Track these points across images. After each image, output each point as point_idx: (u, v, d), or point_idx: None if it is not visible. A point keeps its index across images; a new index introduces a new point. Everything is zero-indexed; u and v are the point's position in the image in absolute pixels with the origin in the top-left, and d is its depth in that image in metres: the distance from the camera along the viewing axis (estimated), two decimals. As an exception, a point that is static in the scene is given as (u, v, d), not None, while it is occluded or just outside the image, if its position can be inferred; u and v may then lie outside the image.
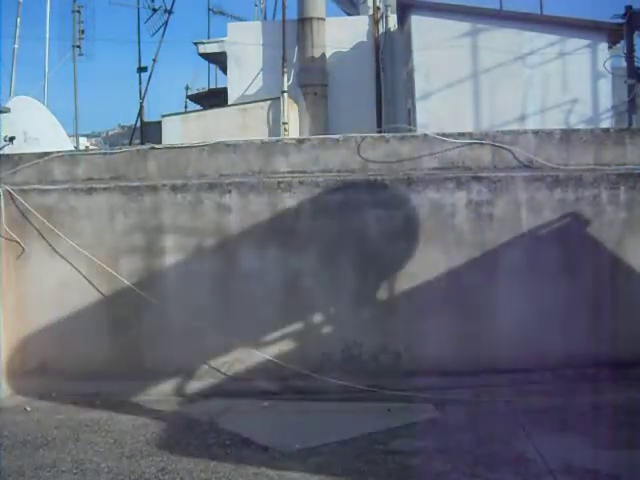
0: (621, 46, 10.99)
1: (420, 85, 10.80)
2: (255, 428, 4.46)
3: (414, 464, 3.80)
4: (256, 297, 5.30)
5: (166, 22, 14.61)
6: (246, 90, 12.78)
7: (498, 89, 10.56)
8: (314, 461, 3.88)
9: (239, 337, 5.23)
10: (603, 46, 10.73)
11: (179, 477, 3.72)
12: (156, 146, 5.72)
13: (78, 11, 17.62)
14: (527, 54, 10.68)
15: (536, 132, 5.46)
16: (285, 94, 11.71)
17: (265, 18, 16.45)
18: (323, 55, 12.55)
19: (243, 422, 4.62)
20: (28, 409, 5.01)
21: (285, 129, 11.25)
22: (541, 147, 5.32)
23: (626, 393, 4.73)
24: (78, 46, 17.57)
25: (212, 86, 17.91)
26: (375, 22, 12.69)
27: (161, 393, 5.26)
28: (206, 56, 14.95)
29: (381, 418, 4.59)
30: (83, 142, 19.84)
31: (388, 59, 12.61)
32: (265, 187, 5.33)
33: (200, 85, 19.58)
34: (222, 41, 13.80)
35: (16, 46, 14.36)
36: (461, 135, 5.38)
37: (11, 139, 7.49)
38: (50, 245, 5.38)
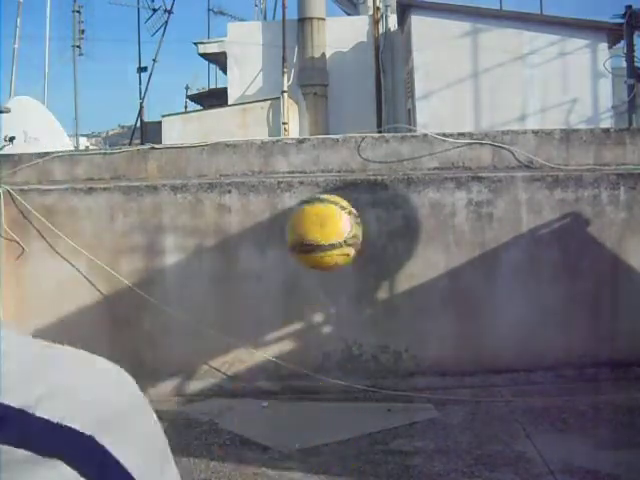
0: (621, 46, 10.99)
1: (420, 85, 10.80)
2: (255, 428, 4.46)
3: (414, 464, 3.80)
4: (256, 297, 5.31)
5: (166, 22, 14.63)
6: (246, 90, 12.78)
7: (498, 89, 10.56)
8: (314, 461, 3.88)
9: (239, 337, 5.23)
10: (603, 46, 10.73)
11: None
12: (156, 146, 5.72)
13: (78, 11, 17.65)
14: (527, 54, 10.68)
15: (536, 132, 5.46)
16: (285, 94, 11.71)
17: (265, 18, 16.45)
18: (323, 55, 12.55)
19: (243, 422, 4.62)
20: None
21: (285, 129, 11.24)
22: (541, 147, 5.32)
23: (626, 393, 4.73)
24: (78, 46, 17.59)
25: (212, 86, 17.92)
26: (375, 22, 12.69)
27: (161, 393, 5.26)
28: (206, 56, 14.95)
29: (381, 418, 4.59)
30: (83, 142, 19.85)
31: (388, 59, 12.61)
32: (265, 187, 5.33)
33: (200, 85, 19.60)
34: (222, 41, 13.80)
35: (16, 46, 14.37)
36: (461, 135, 5.38)
37: (11, 139, 7.49)
38: (50, 245, 5.38)
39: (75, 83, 17.52)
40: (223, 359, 5.29)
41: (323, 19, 12.74)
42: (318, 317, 5.35)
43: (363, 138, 5.40)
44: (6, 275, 5.41)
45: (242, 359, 5.28)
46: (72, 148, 9.65)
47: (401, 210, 5.30)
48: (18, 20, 14.66)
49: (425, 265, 5.24)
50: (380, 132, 8.84)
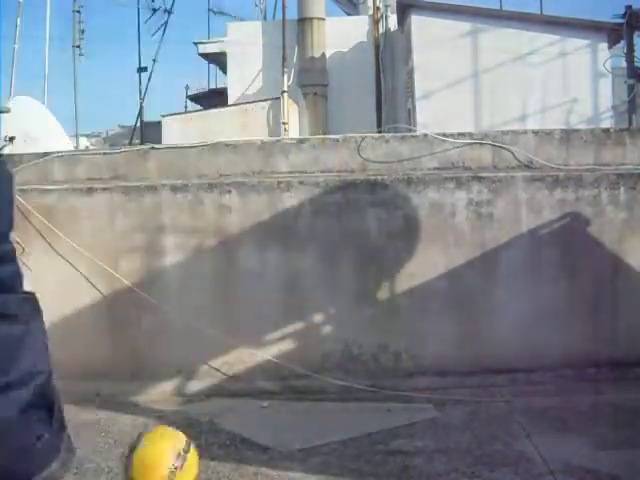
0: (621, 46, 11.00)
1: (420, 85, 10.81)
2: (255, 428, 4.46)
3: (414, 464, 3.79)
4: (256, 297, 5.30)
5: (166, 22, 14.66)
6: (246, 90, 12.79)
7: (498, 89, 10.57)
8: (314, 461, 3.88)
9: (239, 337, 5.23)
10: (603, 46, 10.74)
11: (179, 477, 3.71)
12: (156, 146, 5.72)
13: (78, 11, 17.66)
14: (527, 54, 10.69)
15: (536, 132, 5.46)
16: (285, 94, 11.71)
17: (265, 18, 16.44)
18: (323, 55, 12.56)
19: (243, 422, 4.62)
20: (28, 409, 5.00)
21: (285, 129, 11.24)
22: (541, 147, 5.32)
23: (626, 393, 4.72)
24: (78, 46, 17.60)
25: (212, 86, 17.93)
26: (375, 22, 12.70)
27: (161, 393, 5.26)
28: (206, 56, 14.97)
29: (381, 418, 4.59)
30: (83, 142, 19.82)
31: (388, 59, 12.62)
32: (265, 187, 5.33)
33: (200, 85, 19.59)
34: (222, 41, 13.81)
35: (16, 46, 14.35)
36: (461, 135, 5.38)
37: (11, 139, 7.50)
38: (50, 245, 5.38)
39: (75, 83, 17.51)
40: (223, 359, 5.29)
41: (323, 19, 12.75)
42: (318, 317, 5.34)
43: (363, 138, 5.40)
44: (6, 275, 5.40)
45: (242, 359, 5.28)
46: (72, 148, 9.65)
47: (401, 210, 5.30)
48: (18, 20, 14.65)
49: (425, 265, 5.24)
50: (380, 132, 8.85)
